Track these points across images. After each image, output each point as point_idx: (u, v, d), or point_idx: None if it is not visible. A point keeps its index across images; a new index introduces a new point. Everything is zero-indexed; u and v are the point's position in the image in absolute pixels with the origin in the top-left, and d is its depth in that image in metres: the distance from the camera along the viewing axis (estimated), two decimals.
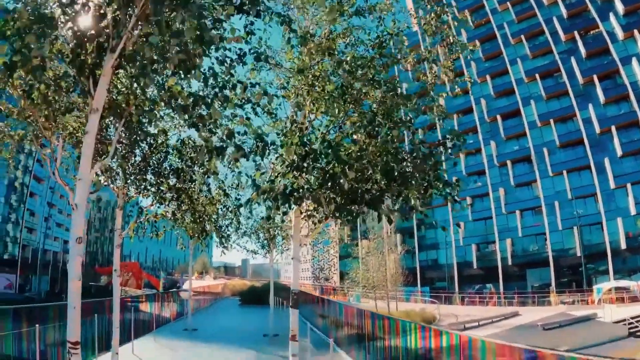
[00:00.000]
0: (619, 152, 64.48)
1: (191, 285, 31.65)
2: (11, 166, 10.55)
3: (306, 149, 7.32)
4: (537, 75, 76.46)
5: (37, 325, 13.14)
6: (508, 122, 79.98)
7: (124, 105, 7.23)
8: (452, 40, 9.70)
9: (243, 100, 7.71)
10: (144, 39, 5.78)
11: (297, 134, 7.75)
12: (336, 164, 7.18)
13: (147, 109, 7.08)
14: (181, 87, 6.68)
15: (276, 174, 7.85)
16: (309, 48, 8.13)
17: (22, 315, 14.85)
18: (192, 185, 13.34)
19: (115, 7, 5.72)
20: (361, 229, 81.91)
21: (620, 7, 67.35)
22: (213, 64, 6.83)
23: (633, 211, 62.39)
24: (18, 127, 8.77)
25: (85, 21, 5.71)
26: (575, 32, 72.35)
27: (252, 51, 7.79)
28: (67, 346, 5.75)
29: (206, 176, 12.38)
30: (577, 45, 71.79)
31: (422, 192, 7.67)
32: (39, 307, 17.41)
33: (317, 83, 8.45)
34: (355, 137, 8.03)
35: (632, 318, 38.85)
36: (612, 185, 64.69)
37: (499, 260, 75.66)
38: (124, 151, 10.49)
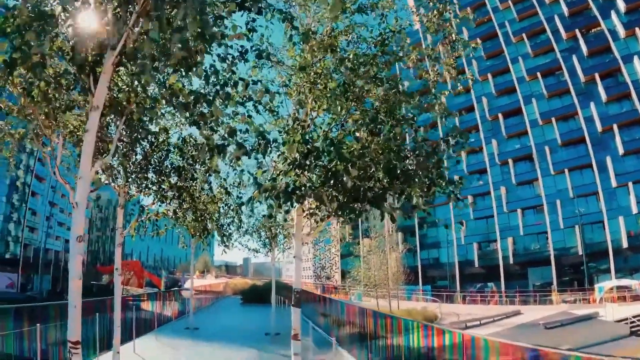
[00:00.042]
0: (621, 151, 64.42)
1: (193, 284, 31.60)
2: (12, 165, 10.47)
3: (308, 146, 7.27)
4: (538, 74, 76.41)
5: (38, 324, 13.11)
6: (509, 121, 79.97)
7: (124, 103, 7.19)
8: (454, 38, 9.67)
9: (245, 98, 7.66)
10: (145, 36, 5.74)
11: (300, 131, 7.70)
12: (338, 162, 7.14)
13: (148, 106, 7.03)
14: (182, 85, 6.64)
15: (278, 172, 7.80)
16: (311, 45, 8.08)
17: (24, 314, 14.82)
18: (194, 184, 13.31)
19: (116, 4, 5.68)
20: (362, 228, 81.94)
21: (621, 5, 67.25)
22: (215, 61, 6.79)
23: (635, 210, 62.33)
24: (19, 125, 8.74)
25: (86, 18, 5.66)
26: (577, 31, 72.27)
27: (253, 48, 7.75)
28: (67, 346, 5.72)
29: (208, 174, 12.33)
30: (578, 43, 71.71)
31: (425, 190, 7.62)
32: (40, 306, 17.38)
33: (319, 80, 8.41)
34: (357, 134, 7.99)
35: (634, 317, 38.82)
36: (613, 183, 64.66)
37: (501, 259, 75.66)
38: (125, 149, 10.45)
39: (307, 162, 7.37)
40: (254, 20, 7.44)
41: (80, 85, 6.33)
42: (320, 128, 8.84)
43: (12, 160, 10.25)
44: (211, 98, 6.43)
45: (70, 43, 6.12)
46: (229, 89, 6.70)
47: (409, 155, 7.75)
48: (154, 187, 12.44)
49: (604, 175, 65.73)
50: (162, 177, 12.16)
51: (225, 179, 15.83)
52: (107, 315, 16.45)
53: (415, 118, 8.26)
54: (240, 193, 18.05)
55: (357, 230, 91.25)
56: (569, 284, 65.02)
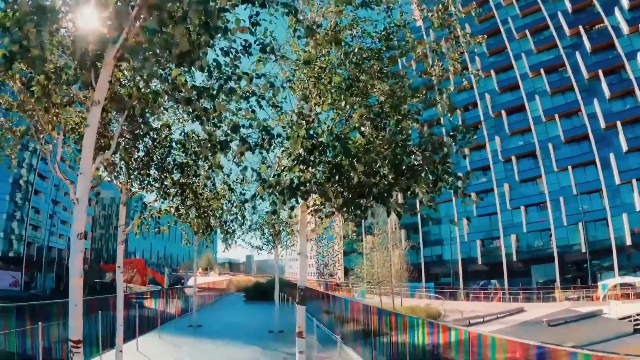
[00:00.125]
0: (625, 148, 64.26)
1: (196, 282, 31.60)
2: (13, 162, 10.39)
3: (313, 141, 7.18)
4: (541, 70, 76.22)
5: (39, 323, 13.05)
6: (513, 117, 79.81)
7: (126, 97, 7.10)
8: (459, 33, 9.57)
9: (248, 93, 7.57)
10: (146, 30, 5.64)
11: (304, 126, 7.61)
12: (344, 157, 7.05)
13: (150, 101, 6.94)
14: (185, 80, 6.54)
15: (282, 168, 7.71)
16: (316, 39, 7.98)
17: (26, 312, 14.78)
18: (197, 180, 13.23)
19: None
20: (365, 225, 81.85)
21: (625, 2, 67.03)
22: (218, 55, 6.70)
23: (638, 207, 62.22)
24: (20, 122, 8.66)
25: (86, 11, 5.58)
26: (580, 27, 72.07)
27: (257, 42, 7.66)
28: (69, 344, 5.64)
29: (211, 171, 12.23)
30: (582, 39, 71.51)
31: (431, 185, 7.53)
32: (43, 304, 17.34)
33: (323, 75, 8.31)
34: (363, 129, 7.89)
35: (638, 314, 38.69)
36: (617, 180, 64.51)
37: (504, 256, 75.60)
38: (126, 145, 10.36)
39: (312, 158, 7.28)
40: (257, 13, 7.35)
41: (81, 80, 6.23)
42: (325, 123, 8.76)
43: (14, 158, 10.17)
44: (214, 93, 6.33)
45: (71, 38, 6.03)
46: (232, 84, 6.61)
47: (414, 151, 7.64)
48: (157, 184, 12.36)
49: (608, 172, 65.57)
50: (165, 174, 12.08)
51: (228, 175, 15.75)
52: (110, 313, 16.42)
53: (421, 112, 8.17)
54: (243, 189, 17.95)
55: (360, 227, 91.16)
56: (572, 282, 64.96)
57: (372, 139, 7.60)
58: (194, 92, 6.22)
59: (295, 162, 7.35)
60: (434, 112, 8.43)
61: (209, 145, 6.94)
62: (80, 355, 5.66)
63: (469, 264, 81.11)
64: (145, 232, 13.86)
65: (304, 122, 8.05)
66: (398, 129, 7.55)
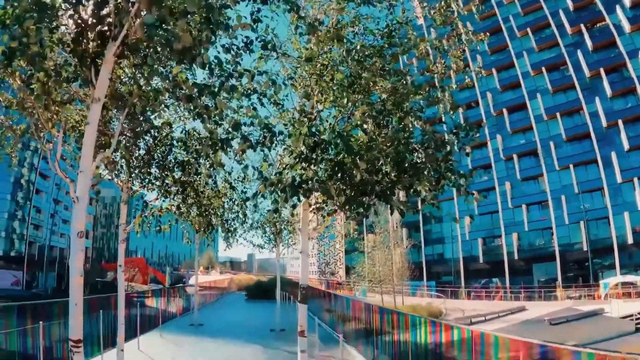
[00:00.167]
0: (626, 146, 64.12)
1: (197, 280, 31.56)
2: (14, 161, 10.35)
3: (315, 139, 7.13)
4: (543, 69, 76.13)
5: (40, 322, 13.03)
6: (514, 116, 79.70)
7: (127, 95, 7.06)
8: (461, 30, 9.51)
9: (249, 91, 7.53)
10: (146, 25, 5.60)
11: (306, 123, 7.56)
12: (346, 155, 7.01)
13: (151, 98, 6.90)
14: (186, 77, 6.50)
15: (284, 166, 7.67)
16: (318, 36, 7.93)
17: (27, 311, 14.75)
18: (198, 178, 13.19)
19: None
20: (367, 223, 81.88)
21: (627, 0, 66.80)
22: (219, 52, 6.66)
23: None
24: (21, 121, 8.62)
25: (86, 8, 5.54)
26: (582, 25, 71.90)
27: (259, 39, 7.62)
28: (69, 344, 5.59)
29: (212, 169, 12.19)
30: (583, 38, 71.37)
31: (434, 183, 7.48)
32: (43, 303, 17.31)
33: (325, 72, 8.27)
34: (365, 126, 7.85)
35: (639, 313, 38.60)
36: (619, 179, 64.40)
37: (505, 255, 75.60)
38: (127, 144, 10.31)
39: (314, 155, 7.24)
40: (259, 10, 7.31)
41: (81, 77, 6.19)
42: (327, 121, 8.72)
43: (14, 156, 10.13)
44: (215, 90, 6.29)
45: (71, 35, 5.99)
46: (233, 81, 6.57)
47: (417, 148, 7.60)
48: (158, 182, 12.33)
49: (609, 170, 65.47)
50: (166, 172, 12.04)
51: (230, 173, 15.72)
52: (111, 312, 16.39)
53: (423, 109, 8.12)
54: (245, 188, 17.93)
55: (362, 225, 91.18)
56: (573, 280, 64.90)
57: (374, 137, 7.55)
58: (195, 90, 6.17)
59: (297, 159, 7.30)
60: (435, 110, 8.37)
61: (210, 143, 6.90)
62: (81, 355, 5.62)
63: (470, 263, 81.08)
64: (146, 230, 13.81)
65: (306, 119, 8.01)
66: (401, 126, 7.50)
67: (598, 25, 71.48)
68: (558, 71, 75.30)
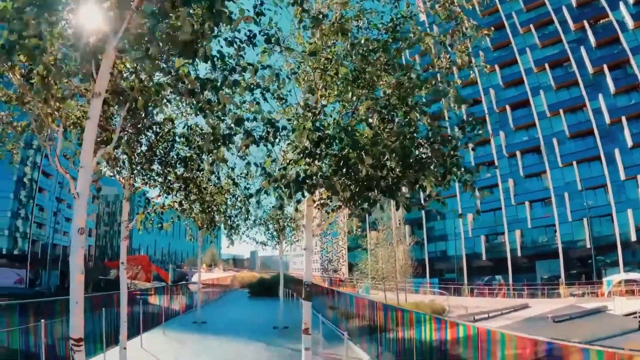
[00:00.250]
0: (630, 143, 63.97)
1: (200, 278, 31.52)
2: (16, 157, 10.27)
3: (319, 134, 7.04)
4: (546, 65, 75.97)
5: (42, 320, 12.97)
6: (517, 113, 79.60)
7: (128, 91, 6.98)
8: (466, 25, 9.40)
9: (253, 85, 7.43)
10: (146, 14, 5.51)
11: (310, 118, 7.47)
12: (351, 150, 6.92)
13: (152, 93, 6.81)
14: (188, 71, 6.41)
15: (288, 161, 7.58)
16: (322, 29, 7.84)
17: (29, 309, 14.70)
18: (200, 175, 13.11)
19: None
20: (370, 220, 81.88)
21: None
22: (222, 46, 6.58)
23: None
24: (22, 117, 8.55)
25: (87, 2, 5.45)
26: (585, 21, 71.74)
27: (262, 33, 7.52)
28: (70, 343, 5.52)
29: (215, 165, 12.09)
30: (586, 34, 71.20)
31: (440, 179, 7.38)
32: (45, 301, 17.28)
33: (329, 66, 8.17)
34: (370, 121, 7.76)
35: None
36: (622, 176, 64.27)
37: (508, 252, 75.52)
38: (129, 140, 10.22)
39: (318, 151, 7.15)
40: (262, 3, 7.22)
41: (82, 72, 6.11)
42: (331, 116, 8.63)
43: (16, 153, 10.04)
44: (218, 84, 6.20)
45: (71, 30, 5.91)
46: (236, 75, 6.48)
47: (422, 143, 7.51)
48: (160, 179, 12.24)
49: (613, 167, 65.35)
50: (168, 169, 11.94)
51: (233, 169, 15.63)
52: (114, 310, 16.35)
53: (429, 104, 8.03)
54: (248, 184, 17.87)
55: (365, 222, 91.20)
56: (576, 277, 64.82)
57: (379, 131, 7.46)
58: (198, 84, 6.09)
59: (301, 155, 7.21)
60: (440, 105, 8.28)
61: (212, 138, 6.82)
62: (82, 354, 5.54)
63: (473, 260, 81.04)
64: (149, 227, 13.73)
65: (310, 114, 7.92)
66: (406, 120, 7.41)
67: (601, 21, 71.32)
68: (561, 68, 75.19)
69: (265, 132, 7.38)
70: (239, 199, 20.31)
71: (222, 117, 6.97)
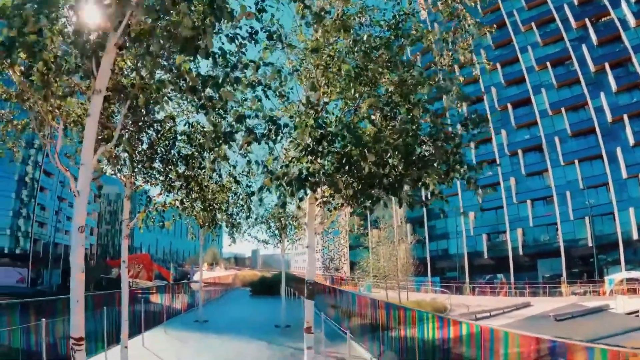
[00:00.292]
0: (631, 141, 63.93)
1: (202, 277, 31.50)
2: (17, 155, 10.23)
3: (322, 131, 6.99)
4: (548, 63, 75.86)
5: (43, 319, 12.94)
6: (519, 111, 79.50)
7: (129, 88, 6.93)
8: (469, 22, 9.34)
9: (254, 82, 7.38)
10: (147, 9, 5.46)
11: (312, 115, 7.42)
12: (354, 147, 6.87)
13: (154, 90, 6.77)
14: (190, 68, 6.37)
15: (290, 159, 7.53)
16: (324, 26, 7.79)
17: (30, 308, 14.69)
18: (202, 173, 13.05)
19: None
20: (371, 219, 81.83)
21: None
22: (223, 43, 6.53)
23: None
24: (23, 116, 8.52)
25: None
26: (587, 20, 71.66)
27: (264, 30, 7.47)
28: (70, 342, 5.48)
29: (216, 162, 12.04)
30: (588, 32, 71.11)
31: (443, 176, 7.34)
32: (46, 300, 17.25)
33: (331, 64, 8.12)
34: (373, 118, 7.71)
35: None
36: (624, 174, 64.21)
37: (510, 250, 75.47)
38: (130, 137, 10.17)
39: (320, 148, 7.10)
40: None
41: (82, 69, 6.07)
42: (333, 114, 8.58)
43: (17, 150, 10.00)
44: (219, 81, 6.15)
45: (72, 27, 5.87)
46: (238, 72, 6.44)
47: (425, 140, 7.46)
48: (161, 177, 12.19)
49: (614, 166, 65.27)
50: (169, 167, 11.89)
51: (234, 167, 15.59)
52: (115, 308, 16.32)
53: (432, 101, 7.98)
54: (249, 182, 17.82)
55: (366, 221, 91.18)
56: (578, 276, 64.74)
57: (382, 129, 7.42)
58: (199, 81, 6.05)
59: (304, 152, 7.17)
60: (442, 103, 8.24)
61: (214, 136, 6.78)
62: (83, 353, 5.51)
63: (475, 258, 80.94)
64: (150, 225, 13.69)
65: (312, 111, 7.88)
66: (409, 118, 7.36)
67: (603, 19, 71.21)
68: (563, 66, 75.08)
69: (267, 130, 7.33)
70: (240, 197, 20.26)
71: (224, 115, 6.93)
